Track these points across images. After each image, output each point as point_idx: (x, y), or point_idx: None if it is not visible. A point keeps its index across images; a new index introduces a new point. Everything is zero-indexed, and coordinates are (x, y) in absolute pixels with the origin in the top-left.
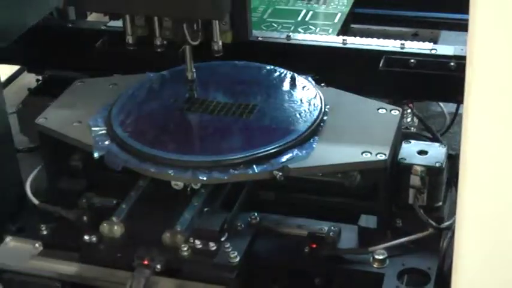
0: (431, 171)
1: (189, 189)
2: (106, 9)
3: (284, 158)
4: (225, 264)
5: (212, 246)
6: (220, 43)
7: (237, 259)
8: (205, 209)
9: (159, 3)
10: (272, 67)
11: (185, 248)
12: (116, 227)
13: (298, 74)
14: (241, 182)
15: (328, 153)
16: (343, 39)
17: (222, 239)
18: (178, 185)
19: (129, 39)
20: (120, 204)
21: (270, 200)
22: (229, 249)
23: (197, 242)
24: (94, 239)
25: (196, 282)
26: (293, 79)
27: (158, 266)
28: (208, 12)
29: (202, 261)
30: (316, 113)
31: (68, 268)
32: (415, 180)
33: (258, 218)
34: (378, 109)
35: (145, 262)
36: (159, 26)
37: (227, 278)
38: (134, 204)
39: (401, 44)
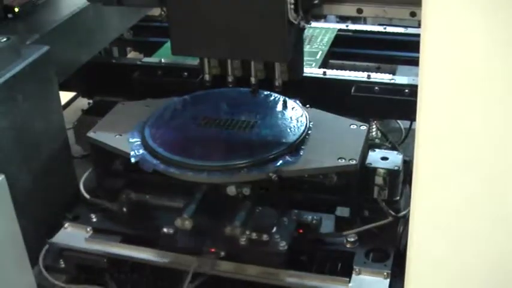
0: (391, 173)
1: (240, 195)
2: (194, 54)
3: (278, 163)
4: (276, 251)
5: (265, 237)
6: (280, 80)
7: (285, 247)
8: (259, 208)
9: (236, 49)
10: (268, 92)
11: (243, 239)
12: (186, 222)
13: (289, 98)
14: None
15: (312, 159)
16: (324, 71)
17: (272, 231)
18: (232, 191)
19: (206, 77)
20: (189, 204)
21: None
22: (278, 239)
23: (253, 234)
24: (171, 231)
25: (252, 266)
26: (285, 102)
27: (222, 253)
28: (276, 57)
29: (257, 249)
30: (302, 128)
31: (112, 248)
32: (378, 180)
33: (298, 215)
34: (350, 125)
35: (212, 250)
36: (231, 66)
37: (278, 262)
38: (199, 205)
39: (367, 75)
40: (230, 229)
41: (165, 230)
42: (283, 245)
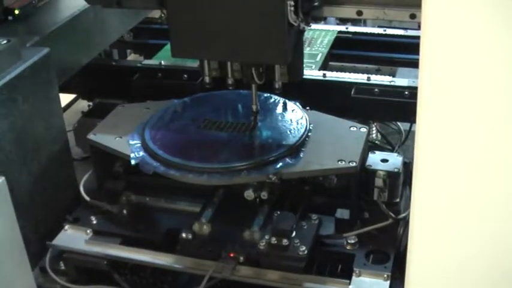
0: (391, 175)
1: (257, 199)
2: (193, 56)
3: (278, 165)
4: (296, 256)
5: (285, 242)
6: (280, 82)
7: (305, 252)
8: (277, 213)
9: (236, 51)
10: (269, 95)
11: (263, 243)
12: (204, 227)
13: (289, 100)
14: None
15: (312, 161)
16: (323, 73)
17: (292, 236)
18: (249, 196)
19: (206, 79)
20: (206, 209)
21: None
22: (298, 244)
23: (273, 238)
24: (190, 236)
25: (272, 270)
26: (284, 104)
27: (241, 258)
28: (275, 59)
29: (277, 254)
30: (302, 130)
31: (111, 250)
32: (378, 182)
33: (318, 219)
34: (350, 127)
35: (231, 254)
36: (230, 68)
37: (297, 267)
38: (216, 210)
39: (367, 77)
40: (249, 234)
41: (183, 235)
42: (303, 250)
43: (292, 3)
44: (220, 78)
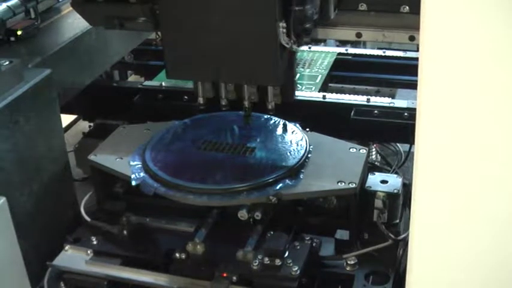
0: (390, 196)
1: (251, 220)
2: (187, 77)
3: (278, 186)
4: (288, 276)
5: (278, 262)
6: (273, 103)
7: (298, 272)
8: (270, 233)
9: (229, 72)
10: (268, 116)
11: (256, 263)
12: (198, 246)
13: (289, 121)
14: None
15: (312, 183)
16: (323, 95)
17: (285, 256)
18: (243, 216)
19: (200, 100)
20: (200, 229)
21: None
22: (291, 264)
23: (266, 258)
24: (183, 256)
25: None
26: (285, 125)
27: (234, 278)
28: (269, 80)
29: (270, 274)
30: (302, 152)
31: (112, 270)
32: (378, 203)
33: (312, 240)
34: (350, 148)
35: (224, 274)
36: (224, 89)
37: (290, 287)
38: (210, 229)
39: (367, 98)
40: (242, 254)
41: (177, 255)
42: (295, 270)
43: (284, 25)
44: (214, 99)
